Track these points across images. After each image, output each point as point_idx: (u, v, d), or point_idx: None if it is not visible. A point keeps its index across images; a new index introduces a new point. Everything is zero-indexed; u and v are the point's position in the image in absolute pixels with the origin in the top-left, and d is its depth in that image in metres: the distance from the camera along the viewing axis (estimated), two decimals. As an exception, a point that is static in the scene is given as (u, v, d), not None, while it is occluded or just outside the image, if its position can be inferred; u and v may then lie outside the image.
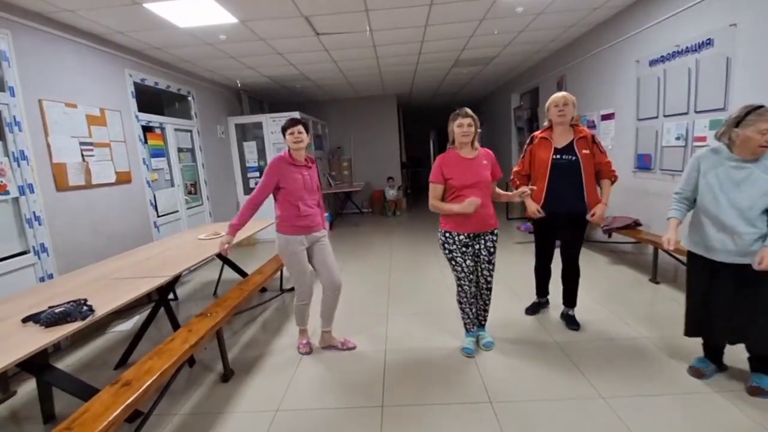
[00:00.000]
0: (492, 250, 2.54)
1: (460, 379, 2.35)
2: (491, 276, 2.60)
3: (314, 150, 7.74)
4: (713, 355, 2.20)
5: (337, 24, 3.99)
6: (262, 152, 6.76)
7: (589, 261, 4.37)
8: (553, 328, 2.87)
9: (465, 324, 2.69)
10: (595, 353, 2.52)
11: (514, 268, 4.28)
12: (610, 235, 4.23)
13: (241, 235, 3.65)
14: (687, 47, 3.29)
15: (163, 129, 4.92)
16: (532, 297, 3.17)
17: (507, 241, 5.59)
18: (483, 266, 2.56)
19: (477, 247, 2.53)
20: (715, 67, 3.02)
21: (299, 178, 2.53)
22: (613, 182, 2.70)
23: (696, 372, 2.18)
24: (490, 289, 2.65)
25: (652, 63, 3.73)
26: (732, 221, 1.92)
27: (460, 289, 2.58)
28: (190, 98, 5.48)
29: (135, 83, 4.30)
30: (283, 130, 2.55)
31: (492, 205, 2.53)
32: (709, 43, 3.07)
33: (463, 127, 2.40)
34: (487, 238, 2.52)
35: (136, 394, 1.67)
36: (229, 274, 4.21)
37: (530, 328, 2.90)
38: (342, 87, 7.65)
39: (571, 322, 2.86)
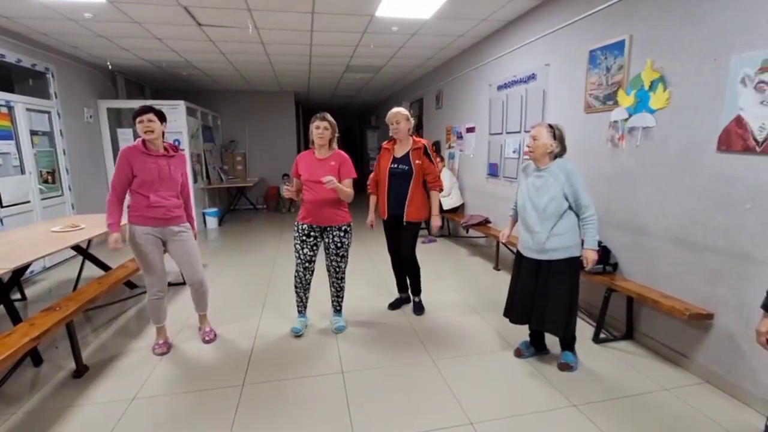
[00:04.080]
0: (339, 244, 2.79)
1: (319, 356, 2.63)
2: (340, 267, 2.87)
3: (203, 142, 7.42)
4: (536, 341, 2.61)
5: (218, 17, 3.98)
6: (140, 141, 6.27)
7: (452, 253, 5.04)
8: (410, 313, 3.30)
9: (297, 306, 2.97)
10: (437, 329, 3.01)
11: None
12: (467, 231, 4.94)
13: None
14: (521, 78, 4.04)
15: (10, 108, 4.33)
16: (394, 283, 3.47)
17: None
18: (332, 258, 2.84)
19: (326, 240, 2.82)
20: (537, 97, 3.78)
21: (154, 167, 2.47)
22: (439, 192, 3.07)
23: (517, 352, 2.59)
24: (340, 279, 2.92)
25: (499, 88, 4.47)
26: (532, 221, 2.32)
27: (296, 273, 2.86)
28: (48, 75, 4.89)
29: (-28, 53, 3.75)
30: (134, 117, 2.48)
31: (338, 202, 2.74)
32: (533, 77, 3.83)
33: (319, 129, 2.68)
34: (334, 233, 2.78)
35: (-43, 388, 1.60)
36: (93, 271, 3.92)
37: (389, 314, 3.30)
38: (235, 79, 7.45)
39: (417, 308, 3.29)
